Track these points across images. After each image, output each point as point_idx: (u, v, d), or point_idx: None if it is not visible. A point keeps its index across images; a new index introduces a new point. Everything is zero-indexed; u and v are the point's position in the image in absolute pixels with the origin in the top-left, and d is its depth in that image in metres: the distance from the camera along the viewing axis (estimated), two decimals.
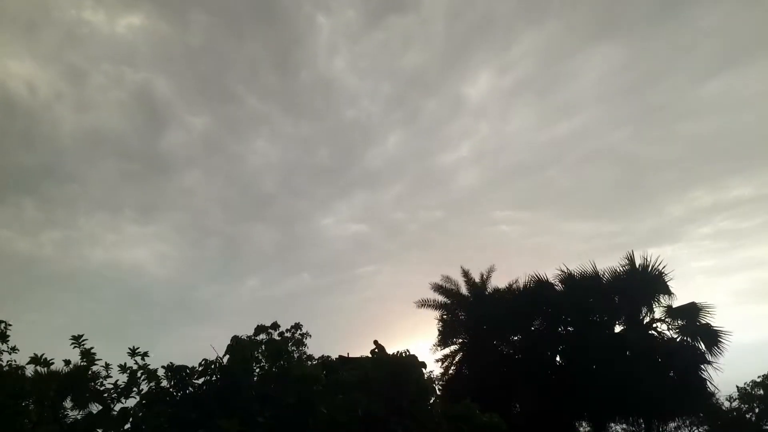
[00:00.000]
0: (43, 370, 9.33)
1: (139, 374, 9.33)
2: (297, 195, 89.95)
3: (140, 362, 9.41)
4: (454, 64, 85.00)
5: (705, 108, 78.97)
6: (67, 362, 9.46)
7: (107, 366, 9.36)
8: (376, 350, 19.34)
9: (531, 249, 77.17)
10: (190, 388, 9.59)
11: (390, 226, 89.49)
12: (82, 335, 9.27)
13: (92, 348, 9.31)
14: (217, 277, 79.59)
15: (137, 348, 9.39)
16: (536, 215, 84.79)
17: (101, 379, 9.44)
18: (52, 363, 9.29)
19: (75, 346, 9.25)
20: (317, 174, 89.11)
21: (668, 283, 23.14)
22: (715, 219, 78.95)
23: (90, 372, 9.33)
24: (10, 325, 9.11)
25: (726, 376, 22.63)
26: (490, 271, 26.64)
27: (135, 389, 9.28)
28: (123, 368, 9.34)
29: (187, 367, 9.64)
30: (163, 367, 9.58)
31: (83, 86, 72.47)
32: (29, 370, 9.35)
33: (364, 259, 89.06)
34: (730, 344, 21.58)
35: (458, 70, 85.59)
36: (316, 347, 13.85)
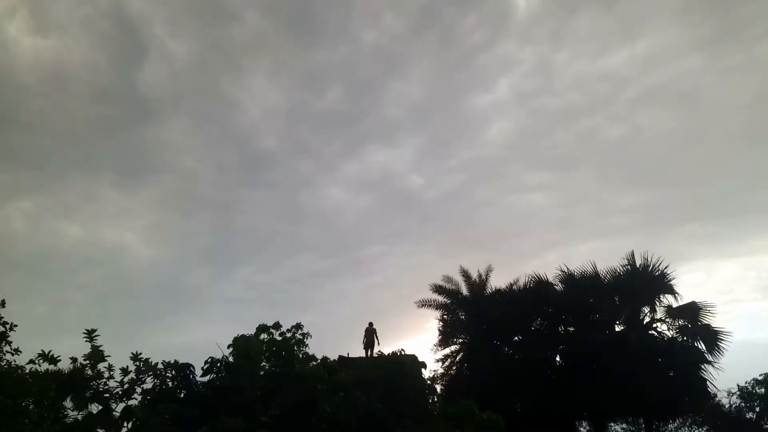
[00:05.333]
0: (42, 369, 9.35)
1: (142, 373, 9.36)
2: (301, 152, 77.03)
3: (143, 362, 9.44)
4: None
5: None
6: (74, 360, 9.46)
7: (110, 368, 9.37)
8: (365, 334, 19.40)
9: (562, 222, 68.20)
10: (195, 386, 9.63)
11: (404, 195, 77.58)
12: (95, 330, 9.21)
13: (101, 345, 9.29)
14: (210, 257, 68.43)
15: (139, 354, 9.41)
16: (573, 179, 73.13)
17: (105, 379, 9.46)
18: (59, 360, 9.26)
19: (87, 341, 9.24)
20: (326, 123, 75.44)
21: (672, 282, 23.18)
22: None
23: (93, 371, 9.36)
24: (15, 325, 9.03)
25: (740, 375, 22.37)
26: (489, 270, 26.68)
27: (138, 388, 9.31)
28: (125, 372, 9.35)
29: (190, 364, 9.67)
30: (165, 362, 9.60)
31: None
32: (28, 370, 9.37)
33: (372, 237, 77.80)
34: (747, 342, 21.36)
35: None
36: (315, 343, 13.53)
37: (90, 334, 9.20)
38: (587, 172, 72.43)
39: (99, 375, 9.23)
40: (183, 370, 9.34)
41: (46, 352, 8.95)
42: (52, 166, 64.81)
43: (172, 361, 9.52)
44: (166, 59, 66.42)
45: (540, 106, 73.10)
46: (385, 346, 21.71)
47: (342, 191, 78.96)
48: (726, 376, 22.33)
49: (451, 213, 73.96)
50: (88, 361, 9.28)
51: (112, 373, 9.35)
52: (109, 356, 9.35)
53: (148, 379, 9.38)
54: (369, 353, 20.70)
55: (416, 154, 78.02)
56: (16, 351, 9.05)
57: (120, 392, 9.20)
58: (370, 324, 21.30)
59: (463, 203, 75.31)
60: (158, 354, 9.90)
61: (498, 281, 26.88)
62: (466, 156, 76.54)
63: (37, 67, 59.67)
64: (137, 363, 9.30)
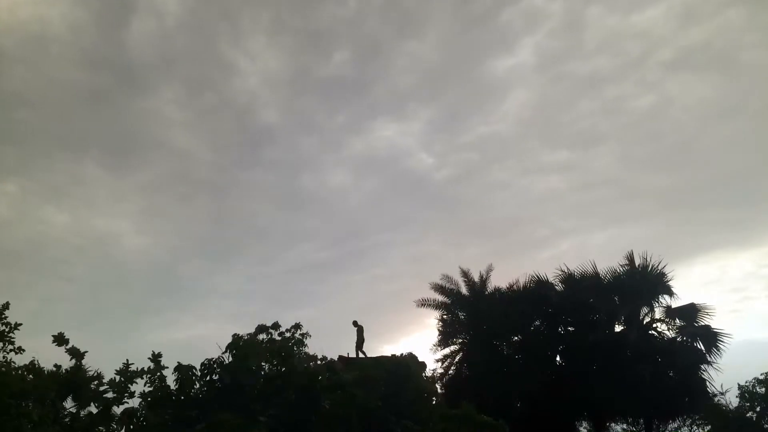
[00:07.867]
0: (43, 370, 9.39)
1: (146, 377, 9.40)
2: (303, 127, 70.76)
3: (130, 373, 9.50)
4: None
5: None
6: (57, 367, 9.54)
7: (99, 375, 9.45)
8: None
9: (580, 207, 59.59)
10: (195, 387, 9.66)
11: (413, 177, 70.61)
12: (62, 333, 9.31)
13: (86, 351, 9.38)
14: (207, 247, 62.37)
15: (131, 363, 9.49)
16: (594, 157, 66.32)
17: (102, 379, 9.51)
18: (43, 368, 9.35)
19: (57, 345, 9.33)
20: (330, 91, 69.31)
21: (669, 282, 23.23)
22: None
23: (92, 372, 9.40)
24: (20, 324, 9.07)
25: (749, 375, 22.20)
26: (489, 270, 26.63)
27: (134, 389, 9.35)
28: (112, 384, 9.40)
29: (193, 367, 9.70)
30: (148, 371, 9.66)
31: None
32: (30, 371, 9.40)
33: (377, 224, 70.06)
34: (758, 342, 21.14)
35: None
36: (317, 340, 13.39)
37: (59, 339, 9.27)
38: (610, 150, 65.10)
39: (98, 375, 9.27)
40: (185, 372, 9.35)
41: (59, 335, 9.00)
42: (36, 143, 59.74)
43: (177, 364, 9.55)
44: (157, 15, 61.08)
45: (564, 72, 64.99)
46: (388, 344, 21.62)
47: (346, 172, 73.36)
48: (733, 377, 22.16)
49: (462, 196, 68.29)
50: (75, 361, 9.34)
51: (102, 380, 9.45)
52: (86, 351, 9.42)
53: (141, 381, 9.39)
54: (358, 354, 20.65)
55: (427, 129, 71.97)
56: (19, 350, 9.09)
57: (118, 393, 9.23)
58: (355, 323, 21.29)
59: (474, 186, 69.37)
60: (152, 348, 9.78)
61: (501, 278, 26.87)
62: (481, 131, 69.91)
63: (14, 27, 54.20)
64: (122, 377, 9.35)
